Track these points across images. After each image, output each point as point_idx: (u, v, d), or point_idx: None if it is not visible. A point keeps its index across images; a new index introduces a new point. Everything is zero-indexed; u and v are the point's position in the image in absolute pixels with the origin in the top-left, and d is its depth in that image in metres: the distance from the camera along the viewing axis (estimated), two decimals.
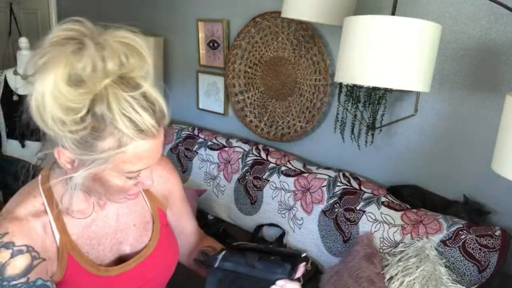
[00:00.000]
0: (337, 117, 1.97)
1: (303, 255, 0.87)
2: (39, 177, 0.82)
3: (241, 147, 2.31)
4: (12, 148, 2.32)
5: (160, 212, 0.97)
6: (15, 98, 2.27)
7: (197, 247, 1.08)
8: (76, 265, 0.80)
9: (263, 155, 2.21)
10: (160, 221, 0.96)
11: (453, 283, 1.45)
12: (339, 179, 1.93)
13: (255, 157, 2.22)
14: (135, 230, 0.91)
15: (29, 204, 0.77)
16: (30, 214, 0.76)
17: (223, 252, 0.88)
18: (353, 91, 1.88)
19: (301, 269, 0.84)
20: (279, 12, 1.78)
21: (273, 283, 0.81)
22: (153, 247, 0.92)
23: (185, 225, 1.07)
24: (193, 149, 2.47)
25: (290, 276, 0.82)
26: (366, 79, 1.17)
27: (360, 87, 1.83)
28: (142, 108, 0.69)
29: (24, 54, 2.42)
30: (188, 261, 1.08)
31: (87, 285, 0.81)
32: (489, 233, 1.51)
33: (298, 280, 0.83)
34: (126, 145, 0.69)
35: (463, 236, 1.53)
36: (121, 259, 0.89)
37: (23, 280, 0.71)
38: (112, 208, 0.88)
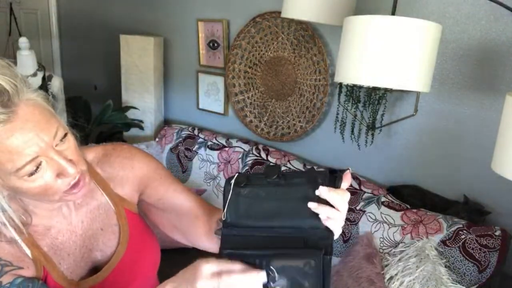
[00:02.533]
0: (337, 117, 1.97)
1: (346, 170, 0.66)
2: None
3: (241, 147, 2.31)
4: None
5: (128, 213, 0.90)
6: None
7: (209, 222, 0.90)
8: (50, 279, 0.77)
9: (263, 155, 2.21)
10: (129, 223, 0.89)
11: (453, 283, 1.45)
12: None
13: (255, 157, 2.22)
14: (103, 234, 0.87)
15: None
16: None
17: (235, 175, 0.66)
18: (353, 91, 1.88)
19: (348, 177, 0.64)
20: (279, 12, 1.78)
21: (312, 197, 0.61)
22: (122, 253, 0.87)
23: (176, 202, 0.92)
24: (193, 149, 2.46)
25: (334, 185, 0.63)
26: (366, 79, 1.17)
27: (360, 87, 1.83)
28: None
29: (24, 54, 2.42)
30: (209, 242, 0.90)
31: None
32: (489, 233, 1.51)
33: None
34: None
35: (463, 236, 1.53)
36: (95, 268, 0.86)
37: None
38: (76, 216, 0.84)
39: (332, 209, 0.61)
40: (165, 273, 1.02)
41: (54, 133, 0.68)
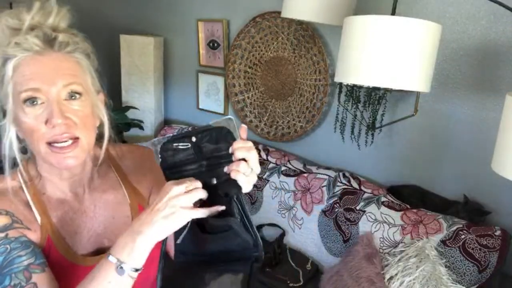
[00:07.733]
0: (337, 117, 1.97)
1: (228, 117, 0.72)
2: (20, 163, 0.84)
3: None
4: None
5: (141, 209, 0.92)
6: None
7: None
8: (53, 248, 0.79)
9: (263, 155, 2.21)
10: None
11: (453, 283, 1.45)
12: (339, 179, 1.92)
13: None
14: (114, 223, 0.89)
15: (7, 183, 0.79)
16: (9, 191, 0.78)
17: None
18: (353, 91, 1.88)
19: (244, 129, 0.71)
20: (279, 12, 1.78)
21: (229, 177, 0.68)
22: None
23: None
24: None
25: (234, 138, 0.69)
26: (366, 79, 1.17)
27: (360, 87, 1.83)
28: (27, 27, 0.72)
29: None
30: None
31: (63, 273, 0.79)
32: (489, 233, 1.51)
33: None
34: (8, 58, 0.71)
35: (463, 236, 1.53)
36: (99, 252, 0.87)
37: (1, 235, 0.72)
38: (89, 198, 0.87)
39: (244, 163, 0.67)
40: (166, 275, 1.02)
41: (67, 82, 0.73)
